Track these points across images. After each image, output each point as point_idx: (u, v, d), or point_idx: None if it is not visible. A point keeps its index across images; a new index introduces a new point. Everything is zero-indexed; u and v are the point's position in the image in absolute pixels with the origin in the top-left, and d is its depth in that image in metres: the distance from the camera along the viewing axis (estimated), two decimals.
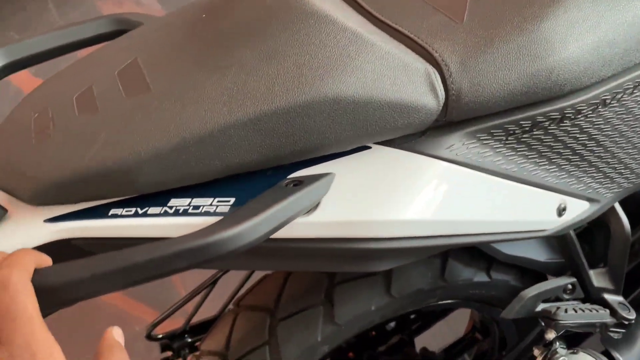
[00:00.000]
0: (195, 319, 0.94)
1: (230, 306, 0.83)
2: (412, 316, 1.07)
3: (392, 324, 1.04)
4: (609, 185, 0.63)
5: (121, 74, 0.51)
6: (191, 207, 0.46)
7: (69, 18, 2.63)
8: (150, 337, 0.91)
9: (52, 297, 0.35)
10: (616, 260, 0.70)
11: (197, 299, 0.90)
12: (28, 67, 0.64)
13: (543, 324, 0.68)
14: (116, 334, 0.37)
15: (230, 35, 0.49)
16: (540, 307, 0.69)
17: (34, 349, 0.32)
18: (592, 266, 0.74)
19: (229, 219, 0.40)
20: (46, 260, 0.37)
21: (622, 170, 0.62)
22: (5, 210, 0.46)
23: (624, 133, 0.58)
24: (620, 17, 0.49)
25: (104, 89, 0.50)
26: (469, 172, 0.50)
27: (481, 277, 0.79)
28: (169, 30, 0.55)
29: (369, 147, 0.49)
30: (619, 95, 0.53)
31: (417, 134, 0.49)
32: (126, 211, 0.46)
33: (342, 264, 0.53)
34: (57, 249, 0.46)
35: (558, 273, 0.77)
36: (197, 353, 0.84)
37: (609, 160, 0.60)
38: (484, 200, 0.52)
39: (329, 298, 0.74)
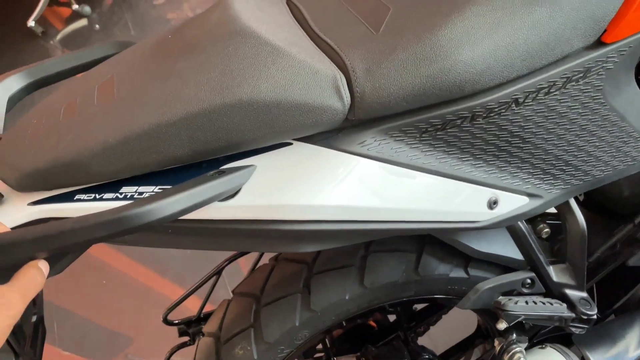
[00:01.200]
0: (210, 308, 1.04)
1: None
2: (414, 307, 1.11)
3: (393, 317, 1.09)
4: (552, 181, 0.66)
5: (100, 87, 0.63)
6: (137, 193, 0.56)
7: None
8: (167, 321, 1.02)
9: None
10: (574, 256, 0.72)
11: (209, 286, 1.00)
12: (46, 87, 0.77)
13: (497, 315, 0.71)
14: (41, 263, 0.47)
15: (178, 50, 0.59)
16: (498, 299, 0.73)
17: None
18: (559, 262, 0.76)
19: (146, 199, 0.49)
20: (2, 228, 0.49)
21: (564, 167, 0.65)
22: (1, 196, 0.59)
23: (552, 130, 0.61)
24: (519, 22, 0.54)
25: (84, 99, 0.62)
26: (381, 165, 0.56)
27: (458, 273, 0.83)
28: (143, 50, 0.65)
29: (291, 144, 0.56)
30: (534, 95, 0.57)
31: (333, 132, 0.56)
32: (87, 196, 0.56)
33: (266, 245, 0.60)
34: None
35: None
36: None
37: (543, 156, 0.63)
38: (400, 191, 0.58)
39: (307, 286, 0.82)
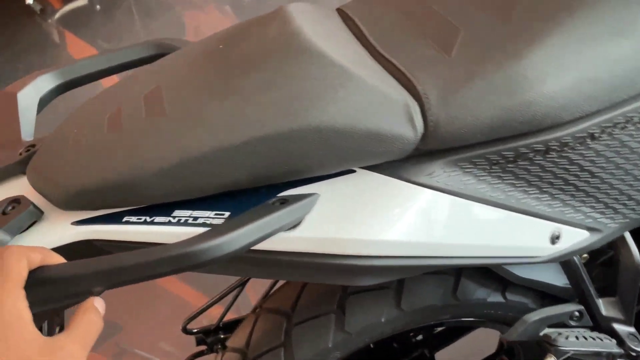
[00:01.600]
0: (230, 317, 1.01)
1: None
2: (438, 329, 1.09)
3: (419, 337, 1.07)
4: (612, 215, 0.63)
5: (146, 97, 0.59)
6: (191, 218, 0.52)
7: (151, 28, 2.82)
8: (185, 330, 0.98)
9: (51, 290, 0.42)
10: (626, 290, 0.70)
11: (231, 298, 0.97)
12: (79, 87, 0.73)
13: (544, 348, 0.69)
14: (96, 302, 0.44)
15: (235, 64, 0.55)
16: (545, 331, 0.70)
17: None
18: (605, 295, 0.73)
19: (212, 231, 0.46)
20: (58, 259, 0.45)
21: (627, 202, 0.63)
22: (41, 212, 0.55)
23: (621, 165, 0.58)
24: (604, 54, 0.51)
25: (130, 111, 0.58)
26: (449, 198, 0.53)
27: (496, 297, 0.81)
28: (190, 59, 0.62)
29: (354, 171, 0.53)
30: (609, 129, 0.55)
31: (400, 161, 0.53)
32: (137, 219, 0.53)
33: (324, 277, 0.57)
34: (81, 248, 0.54)
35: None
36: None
37: (608, 191, 0.60)
38: (466, 225, 0.55)
39: (342, 307, 0.79)
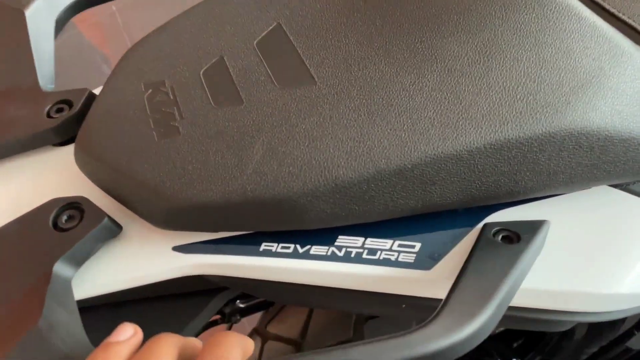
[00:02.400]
0: None
1: None
2: None
3: None
4: None
5: (264, 47, 0.39)
6: (365, 251, 0.35)
7: None
8: None
9: None
10: None
11: None
12: (96, 5, 0.51)
13: None
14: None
15: (432, 19, 0.36)
16: None
17: None
18: None
19: (457, 309, 0.29)
20: (248, 347, 0.28)
21: None
22: (119, 228, 0.35)
23: None
24: None
25: (242, 68, 0.38)
26: None
27: None
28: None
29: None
30: None
31: None
32: (282, 247, 0.35)
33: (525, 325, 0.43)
34: (182, 282, 0.36)
35: None
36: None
37: None
38: None
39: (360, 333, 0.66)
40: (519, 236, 0.34)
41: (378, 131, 0.33)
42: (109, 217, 0.35)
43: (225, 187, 0.33)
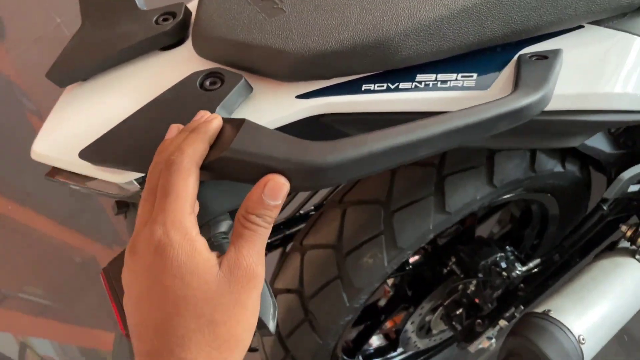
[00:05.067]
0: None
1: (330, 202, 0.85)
2: None
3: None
4: None
5: None
6: (439, 82, 0.47)
7: None
8: None
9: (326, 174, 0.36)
10: None
11: None
12: None
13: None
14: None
15: None
16: (632, 188, 0.78)
17: (183, 227, 0.34)
18: None
19: (523, 89, 0.42)
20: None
21: None
22: (251, 89, 0.45)
23: None
24: None
25: None
26: None
27: (558, 167, 0.87)
28: None
29: (583, 27, 0.51)
30: None
31: (618, 16, 0.52)
32: (378, 86, 0.46)
33: (543, 140, 0.56)
34: (301, 127, 0.46)
35: (621, 165, 0.85)
36: (295, 245, 0.86)
37: None
38: None
39: (440, 189, 0.79)
40: (546, 57, 0.47)
41: None
42: (245, 79, 0.44)
43: (337, 37, 0.43)
